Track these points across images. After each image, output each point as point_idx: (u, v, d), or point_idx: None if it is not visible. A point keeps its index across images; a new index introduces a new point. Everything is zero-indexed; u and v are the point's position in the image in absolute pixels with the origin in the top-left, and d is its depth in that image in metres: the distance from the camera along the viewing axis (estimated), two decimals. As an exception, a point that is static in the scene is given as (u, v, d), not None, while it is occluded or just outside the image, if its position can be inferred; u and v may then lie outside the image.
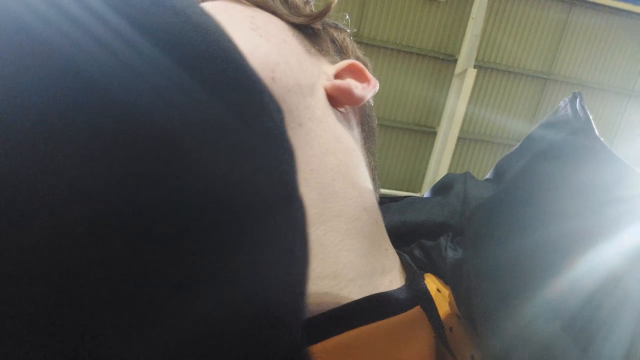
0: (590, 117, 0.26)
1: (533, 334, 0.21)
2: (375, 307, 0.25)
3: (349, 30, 0.38)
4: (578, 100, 0.27)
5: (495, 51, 4.65)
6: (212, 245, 0.09)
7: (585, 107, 0.26)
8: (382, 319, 0.25)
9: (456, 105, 4.23)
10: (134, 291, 0.08)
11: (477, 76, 4.29)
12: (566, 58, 4.70)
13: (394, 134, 4.86)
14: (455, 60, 4.52)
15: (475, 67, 4.29)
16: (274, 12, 0.31)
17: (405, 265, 0.31)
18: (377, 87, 0.33)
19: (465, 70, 4.18)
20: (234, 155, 0.10)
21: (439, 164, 4.41)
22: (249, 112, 0.11)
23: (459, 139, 4.49)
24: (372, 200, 0.30)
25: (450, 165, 4.52)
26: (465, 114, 4.30)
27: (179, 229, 0.08)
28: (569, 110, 0.27)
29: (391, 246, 0.31)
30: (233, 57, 0.12)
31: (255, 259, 0.09)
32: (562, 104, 0.28)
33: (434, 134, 4.79)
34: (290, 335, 0.11)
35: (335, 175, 0.28)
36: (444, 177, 0.36)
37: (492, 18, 4.52)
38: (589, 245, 0.22)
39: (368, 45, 4.49)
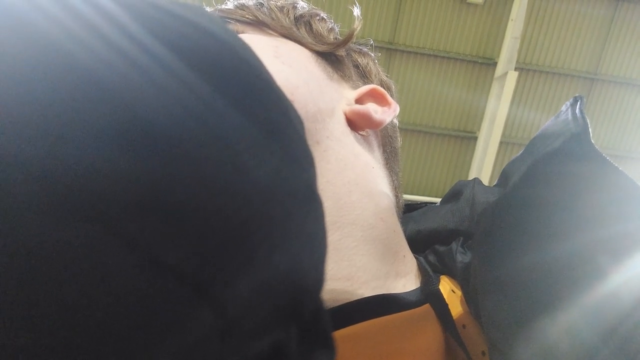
0: (588, 122, 0.25)
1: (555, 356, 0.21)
2: (384, 303, 0.27)
3: (373, 55, 0.39)
4: (578, 104, 0.27)
5: (537, 52, 4.50)
6: (261, 231, 0.11)
7: (584, 111, 0.26)
8: (389, 313, 0.27)
9: (497, 109, 4.13)
10: (211, 268, 0.10)
11: (518, 79, 4.17)
12: (614, 56, 4.49)
13: (433, 140, 4.79)
14: (495, 64, 4.41)
15: (516, 69, 4.17)
16: (298, 41, 0.33)
17: (420, 268, 0.32)
18: (398, 110, 0.34)
19: (506, 73, 4.07)
20: (272, 164, 0.12)
21: (481, 170, 4.31)
22: (280, 126, 0.13)
23: (501, 143, 4.37)
24: (391, 211, 0.32)
25: (493, 171, 4.40)
26: (507, 117, 4.18)
27: (242, 220, 0.11)
28: (569, 115, 0.27)
29: (409, 252, 0.32)
30: (267, 78, 0.14)
31: (287, 241, 0.12)
32: (563, 108, 0.28)
33: (475, 139, 4.68)
34: (315, 301, 0.13)
35: (353, 188, 0.29)
36: (454, 185, 0.37)
37: (533, 19, 4.39)
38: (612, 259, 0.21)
39: (404, 52, 4.47)
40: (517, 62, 4.29)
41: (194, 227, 0.10)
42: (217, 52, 0.13)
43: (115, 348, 0.09)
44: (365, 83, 0.36)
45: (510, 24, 4.14)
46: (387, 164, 0.35)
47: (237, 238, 0.11)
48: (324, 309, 0.14)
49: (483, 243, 0.27)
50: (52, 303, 0.09)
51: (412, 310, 0.27)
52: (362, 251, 0.28)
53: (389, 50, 4.43)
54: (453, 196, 0.36)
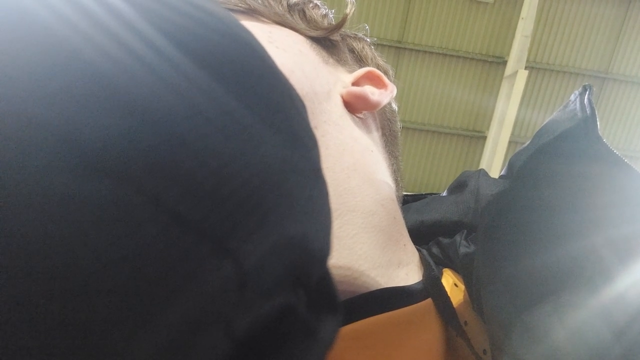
0: (596, 112, 0.25)
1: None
2: (386, 299, 0.26)
3: (368, 40, 0.39)
4: (587, 93, 0.26)
5: (548, 51, 4.46)
6: (271, 199, 0.12)
7: (592, 101, 0.26)
8: (392, 310, 0.26)
9: (506, 109, 4.09)
10: (225, 233, 0.11)
11: (528, 78, 4.13)
12: (625, 55, 4.43)
13: (442, 140, 4.77)
14: (505, 62, 4.38)
15: (526, 68, 4.13)
16: (292, 28, 0.33)
17: (422, 260, 0.31)
18: (395, 92, 0.34)
19: (516, 72, 4.04)
20: (278, 141, 0.13)
21: (490, 169, 4.28)
22: (284, 107, 0.14)
23: (510, 142, 4.33)
24: (391, 197, 0.31)
25: (501, 170, 4.36)
26: (517, 117, 4.14)
27: (254, 187, 0.12)
28: (577, 105, 0.26)
29: (410, 242, 0.32)
30: (269, 60, 0.15)
31: (296, 212, 0.13)
32: (572, 97, 0.28)
33: (484, 138, 4.65)
34: (322, 268, 0.14)
35: (352, 173, 0.29)
36: (459, 176, 0.36)
37: (544, 17, 4.35)
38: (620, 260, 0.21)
39: (413, 50, 4.45)
40: (527, 60, 4.25)
41: (213, 190, 0.11)
42: (221, 36, 0.13)
43: (139, 297, 0.10)
44: (361, 67, 0.36)
45: (520, 23, 4.10)
46: (386, 147, 0.35)
47: (250, 202, 0.12)
48: (330, 276, 0.15)
49: (487, 240, 0.26)
50: (80, 253, 0.10)
51: (415, 305, 0.27)
52: (362, 239, 0.28)
53: (398, 49, 4.42)
54: (458, 187, 0.36)
